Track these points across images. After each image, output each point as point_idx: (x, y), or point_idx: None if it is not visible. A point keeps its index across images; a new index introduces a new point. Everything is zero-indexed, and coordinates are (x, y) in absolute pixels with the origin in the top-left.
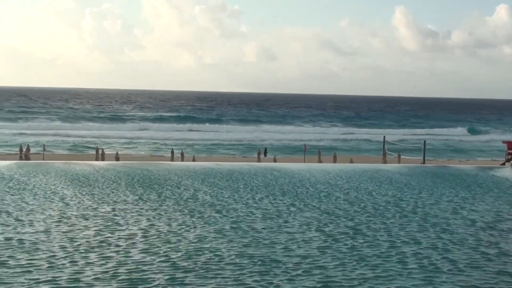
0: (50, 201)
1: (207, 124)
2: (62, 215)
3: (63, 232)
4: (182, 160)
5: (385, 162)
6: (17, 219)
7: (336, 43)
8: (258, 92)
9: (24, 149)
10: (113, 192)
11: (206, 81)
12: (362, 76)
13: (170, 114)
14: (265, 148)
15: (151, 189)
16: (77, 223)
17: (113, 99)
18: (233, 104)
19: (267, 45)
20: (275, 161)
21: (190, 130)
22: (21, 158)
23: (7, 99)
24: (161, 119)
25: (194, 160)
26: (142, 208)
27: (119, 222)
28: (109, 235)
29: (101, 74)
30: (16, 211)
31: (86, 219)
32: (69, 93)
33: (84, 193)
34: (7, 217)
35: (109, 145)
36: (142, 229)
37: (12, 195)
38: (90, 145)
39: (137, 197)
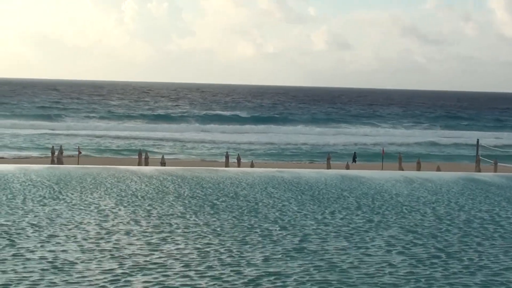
0: (87, 213)
1: (271, 125)
2: (102, 230)
3: (106, 250)
4: (239, 166)
5: (479, 170)
6: (51, 235)
7: (420, 29)
8: (328, 87)
9: (56, 152)
10: (159, 203)
11: (266, 73)
12: (452, 68)
13: (225, 112)
14: (354, 153)
15: (203, 200)
16: (120, 240)
17: (159, 94)
18: (299, 100)
19: (339, 32)
20: (347, 168)
21: (245, 132)
22: (52, 162)
23: (36, 93)
24: (214, 118)
25: (252, 165)
26: (195, 224)
27: (168, 239)
28: (159, 254)
29: (144, 65)
30: (48, 225)
31: (131, 235)
32: (107, 87)
33: (125, 204)
34: (39, 232)
35: (155, 148)
36: (197, 248)
37: (43, 205)
38: (132, 148)
39: (186, 209)
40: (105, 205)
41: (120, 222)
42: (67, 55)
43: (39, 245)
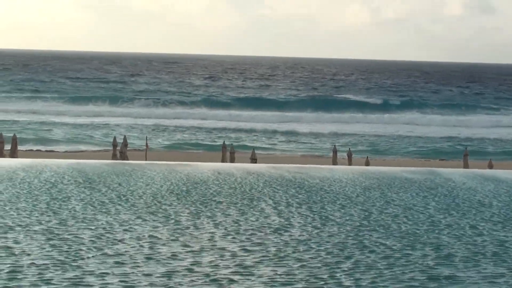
0: (165, 228)
1: (396, 114)
2: (187, 247)
3: (198, 278)
4: (350, 164)
5: None
6: (117, 253)
7: None
8: (464, 62)
9: (119, 145)
10: (251, 211)
11: (383, 45)
12: None
13: (353, 96)
14: None
15: (308, 207)
16: (214, 260)
17: (245, 70)
18: (427, 78)
19: None
20: (490, 167)
21: (356, 122)
22: (114, 157)
23: (92, 70)
24: (321, 103)
25: (367, 163)
26: (306, 239)
27: (272, 257)
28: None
29: (226, 35)
30: (117, 241)
31: (227, 251)
32: (182, 62)
33: (209, 210)
34: (103, 250)
35: (246, 140)
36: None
37: (106, 214)
38: (215, 141)
39: (291, 220)
40: (186, 215)
41: (213, 237)
42: (133, 23)
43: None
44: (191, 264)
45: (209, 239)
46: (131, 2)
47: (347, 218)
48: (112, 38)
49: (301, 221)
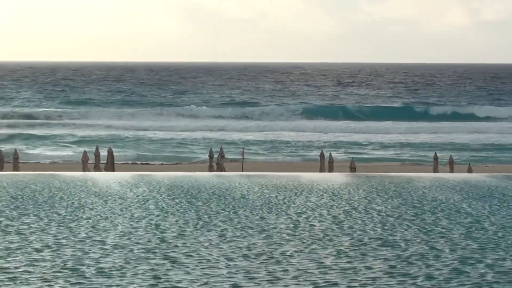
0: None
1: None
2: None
3: None
4: (451, 171)
5: None
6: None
7: None
8: None
9: (215, 155)
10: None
11: (484, 48)
12: None
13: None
14: None
15: (422, 222)
16: None
17: (342, 74)
18: None
19: None
20: None
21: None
22: (211, 169)
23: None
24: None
25: (469, 170)
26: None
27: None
28: None
29: (320, 40)
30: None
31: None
32: (283, 69)
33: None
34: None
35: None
36: None
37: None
38: (310, 148)
39: (410, 236)
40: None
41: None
42: (224, 30)
43: None
44: None
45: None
46: (219, 9)
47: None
48: (204, 48)
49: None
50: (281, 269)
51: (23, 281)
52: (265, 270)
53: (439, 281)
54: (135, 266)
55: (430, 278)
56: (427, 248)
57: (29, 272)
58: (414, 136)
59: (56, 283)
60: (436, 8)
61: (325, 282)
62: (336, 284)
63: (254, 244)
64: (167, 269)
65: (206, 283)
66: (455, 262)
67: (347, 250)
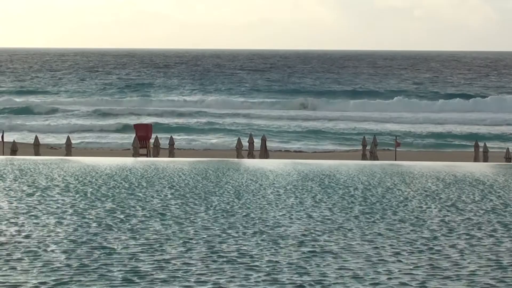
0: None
1: None
2: None
3: None
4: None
5: None
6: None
7: None
8: None
9: (368, 145)
10: None
11: None
12: None
13: None
14: None
15: None
16: None
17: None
18: None
19: None
20: None
21: None
22: (364, 157)
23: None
24: None
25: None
26: None
27: None
28: None
29: (478, 30)
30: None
31: None
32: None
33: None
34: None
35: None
36: None
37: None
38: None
39: None
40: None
41: None
42: (377, 20)
43: None
44: None
45: None
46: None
47: None
48: (355, 36)
49: None
50: None
51: None
52: None
53: None
54: None
55: None
56: None
57: None
58: None
59: None
60: None
61: None
62: None
63: None
64: None
65: None
66: None
67: None
